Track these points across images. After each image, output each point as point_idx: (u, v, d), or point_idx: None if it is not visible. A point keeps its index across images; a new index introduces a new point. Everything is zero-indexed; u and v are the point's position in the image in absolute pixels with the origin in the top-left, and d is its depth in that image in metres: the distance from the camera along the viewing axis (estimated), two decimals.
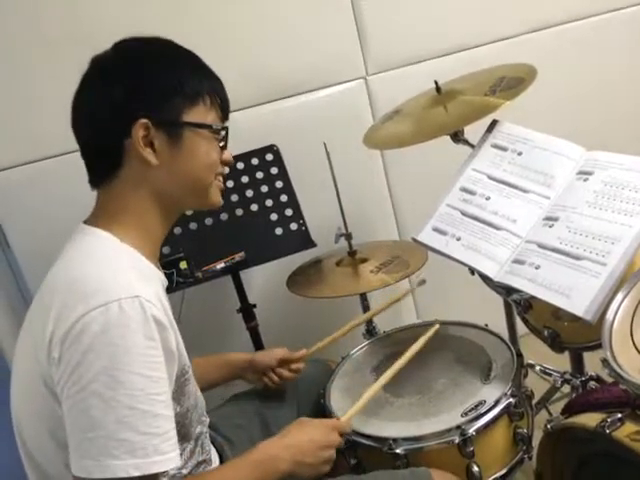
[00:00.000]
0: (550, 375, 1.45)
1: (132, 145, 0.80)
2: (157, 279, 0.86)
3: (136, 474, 0.70)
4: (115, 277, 0.74)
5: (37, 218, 1.47)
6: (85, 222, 0.85)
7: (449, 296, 1.79)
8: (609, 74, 1.91)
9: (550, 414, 1.41)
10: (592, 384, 1.28)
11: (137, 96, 0.80)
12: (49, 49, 1.44)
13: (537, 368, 1.55)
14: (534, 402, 1.44)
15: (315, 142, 1.46)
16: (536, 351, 1.29)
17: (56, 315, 0.73)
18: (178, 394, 0.82)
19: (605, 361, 0.78)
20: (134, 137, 0.80)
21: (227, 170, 0.91)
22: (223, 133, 0.87)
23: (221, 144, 0.87)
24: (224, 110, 0.88)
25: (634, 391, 0.73)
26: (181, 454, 0.87)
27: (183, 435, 0.86)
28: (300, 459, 0.88)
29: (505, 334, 1.46)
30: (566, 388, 1.42)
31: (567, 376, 1.33)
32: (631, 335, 0.79)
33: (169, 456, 0.73)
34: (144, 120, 0.79)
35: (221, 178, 0.90)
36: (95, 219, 0.84)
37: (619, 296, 0.86)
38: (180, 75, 0.83)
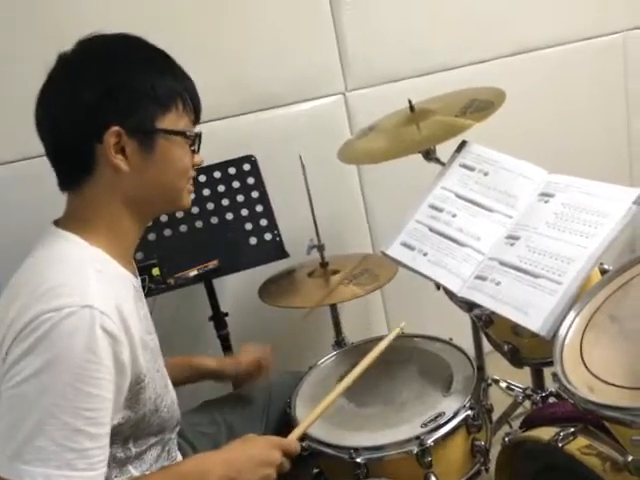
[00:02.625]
0: (513, 390, 1.48)
1: (103, 152, 0.80)
2: (128, 283, 0.86)
3: None
4: (73, 283, 0.74)
5: (6, 219, 1.46)
6: (56, 224, 0.84)
7: (420, 309, 1.82)
8: (576, 101, 1.98)
9: (512, 428, 1.44)
10: (552, 399, 1.31)
11: (109, 101, 0.79)
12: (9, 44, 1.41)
13: (502, 384, 1.58)
14: (497, 417, 1.49)
15: (293, 154, 1.48)
16: (503, 367, 1.32)
17: (14, 315, 0.73)
18: (132, 402, 0.81)
19: (555, 376, 0.81)
20: (105, 144, 0.79)
21: (195, 174, 0.91)
22: (196, 138, 0.87)
23: (193, 149, 0.87)
24: (196, 112, 0.88)
25: (582, 406, 0.76)
26: (144, 453, 0.88)
27: (137, 436, 0.86)
28: (234, 476, 0.85)
29: (472, 348, 1.51)
30: (528, 403, 1.46)
31: (528, 392, 1.37)
32: (581, 352, 0.83)
33: (83, 474, 0.71)
34: (116, 128, 0.79)
35: (192, 181, 0.90)
36: (66, 222, 0.84)
37: (572, 314, 0.89)
38: (152, 78, 0.81)
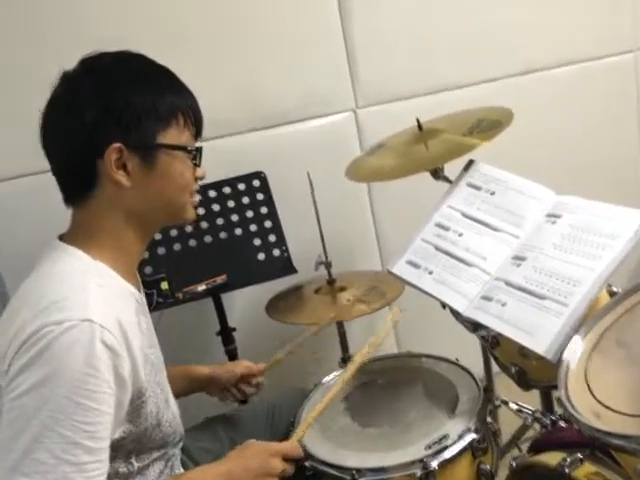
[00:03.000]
0: (523, 412, 1.46)
1: (104, 167, 0.81)
2: (130, 297, 0.87)
3: None
4: (74, 297, 0.75)
5: (18, 232, 1.49)
6: (60, 238, 0.86)
7: (430, 328, 1.81)
8: (587, 121, 1.97)
9: (521, 451, 1.42)
10: (561, 423, 1.29)
11: (110, 119, 0.80)
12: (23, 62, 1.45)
13: (512, 405, 1.56)
14: (506, 440, 1.47)
15: (303, 171, 1.50)
16: (514, 388, 1.30)
17: (16, 328, 0.75)
18: (133, 416, 0.82)
19: (559, 400, 0.80)
20: (106, 160, 0.80)
21: (198, 187, 0.92)
22: (197, 152, 0.88)
23: (195, 163, 0.88)
24: (198, 127, 0.89)
25: (586, 432, 0.75)
26: (146, 469, 0.88)
27: (139, 450, 0.86)
28: None
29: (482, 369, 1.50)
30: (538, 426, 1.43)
31: (537, 414, 1.34)
32: (586, 377, 0.81)
33: None
34: (117, 144, 0.80)
35: (196, 194, 0.91)
36: (70, 236, 0.86)
37: (577, 337, 0.88)
38: (153, 95, 0.82)
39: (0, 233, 1.53)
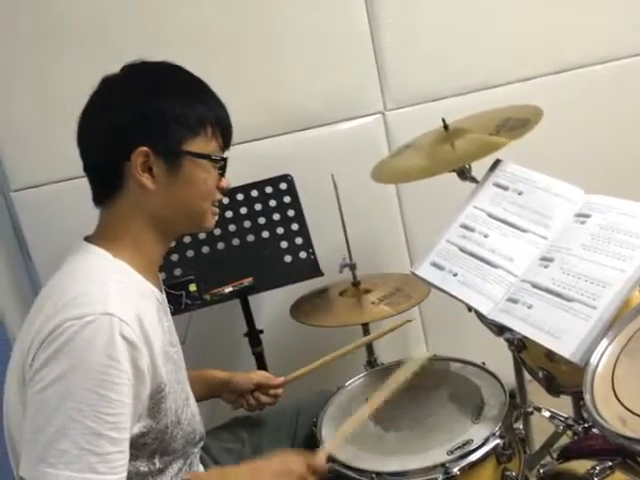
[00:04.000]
0: (555, 420, 1.41)
1: (130, 169, 0.84)
2: (151, 296, 0.89)
3: None
4: (94, 293, 0.78)
5: (57, 233, 1.54)
6: (86, 239, 0.89)
7: (459, 330, 1.77)
8: (621, 120, 1.89)
9: (552, 459, 1.37)
10: (595, 430, 1.24)
11: (140, 123, 0.84)
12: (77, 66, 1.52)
13: (544, 412, 1.51)
14: (538, 447, 1.42)
15: (331, 174, 1.50)
16: (548, 395, 1.26)
17: (39, 324, 0.77)
18: (154, 411, 0.84)
19: (584, 406, 0.77)
20: (133, 162, 0.84)
21: (221, 197, 0.94)
22: (222, 163, 0.90)
23: (219, 173, 0.91)
24: (225, 139, 0.91)
25: (611, 438, 0.72)
26: (166, 468, 0.90)
27: (163, 450, 0.88)
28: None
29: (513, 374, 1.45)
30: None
31: (569, 421, 1.30)
32: (612, 382, 0.78)
33: (105, 477, 0.73)
34: (145, 148, 0.83)
35: (217, 204, 0.93)
36: (94, 236, 0.89)
37: (605, 341, 0.85)
38: (185, 105, 0.85)
39: (39, 238, 1.60)
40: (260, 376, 1.20)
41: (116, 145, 0.84)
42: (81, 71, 1.48)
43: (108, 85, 0.88)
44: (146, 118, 0.84)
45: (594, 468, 0.91)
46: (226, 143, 0.92)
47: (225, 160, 0.91)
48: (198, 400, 1.05)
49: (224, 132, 0.91)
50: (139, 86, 0.87)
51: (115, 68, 0.91)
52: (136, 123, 0.84)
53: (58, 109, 1.51)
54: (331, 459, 1.02)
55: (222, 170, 0.91)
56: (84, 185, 0.92)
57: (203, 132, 0.87)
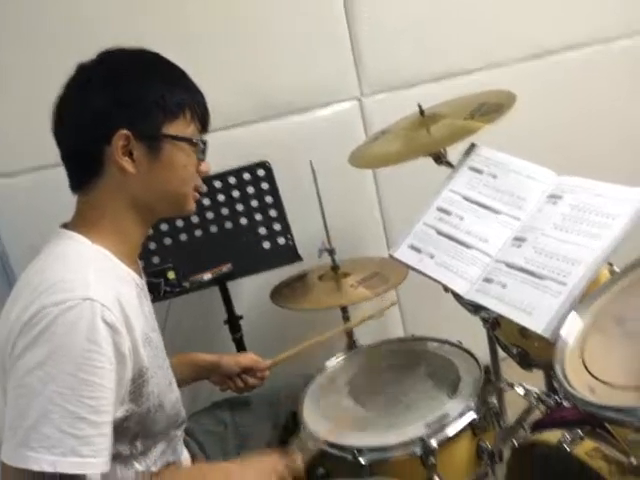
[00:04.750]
0: (528, 395, 1.45)
1: (111, 153, 0.84)
2: (131, 281, 0.89)
3: (49, 470, 0.71)
4: (74, 278, 0.78)
5: (30, 223, 1.51)
6: (63, 226, 0.89)
7: (437, 311, 1.80)
8: (597, 105, 1.94)
9: (526, 432, 1.42)
10: (566, 403, 1.29)
11: (118, 107, 0.84)
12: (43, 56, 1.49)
13: (518, 388, 1.56)
14: (513, 421, 1.47)
15: (308, 160, 1.50)
16: (521, 372, 1.30)
17: (18, 311, 0.77)
18: (136, 395, 0.84)
19: (555, 376, 0.80)
20: (113, 146, 0.83)
21: (201, 183, 0.94)
22: (202, 146, 0.90)
23: (199, 156, 0.91)
24: (204, 123, 0.91)
25: (582, 407, 0.75)
26: (149, 450, 0.90)
27: (145, 433, 0.88)
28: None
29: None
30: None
31: (542, 396, 1.34)
32: (582, 353, 0.82)
33: (87, 460, 0.73)
34: (125, 131, 0.83)
35: (198, 188, 0.93)
36: (72, 223, 0.88)
37: (574, 315, 0.88)
38: (163, 89, 0.86)
39: (13, 228, 1.58)
40: (248, 359, 1.21)
41: (96, 130, 0.84)
42: (54, 60, 1.45)
43: (85, 71, 0.87)
44: (125, 102, 0.84)
45: (565, 437, 0.96)
46: (204, 127, 0.92)
47: (205, 143, 0.91)
48: (185, 383, 1.06)
49: (202, 116, 0.91)
50: (118, 71, 0.86)
51: (89, 56, 0.89)
52: (115, 107, 0.84)
53: (31, 98, 1.48)
54: (312, 437, 1.05)
55: (202, 154, 0.91)
56: (58, 174, 0.91)
57: (182, 116, 0.87)
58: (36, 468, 0.71)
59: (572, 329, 0.87)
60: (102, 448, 0.76)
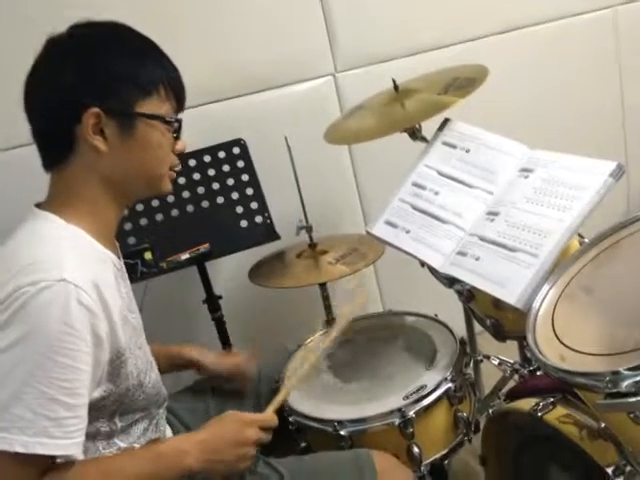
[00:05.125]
0: (503, 365, 1.50)
1: (82, 131, 0.82)
2: (108, 261, 0.88)
3: (20, 450, 0.71)
4: (49, 259, 0.77)
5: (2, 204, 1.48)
6: (37, 206, 0.87)
7: (414, 287, 1.83)
8: (568, 78, 1.97)
9: (501, 401, 1.47)
10: (539, 373, 1.33)
11: (88, 83, 0.81)
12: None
13: (493, 360, 1.60)
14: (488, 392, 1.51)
15: (283, 137, 1.49)
16: (497, 344, 1.33)
17: None
18: (114, 375, 0.84)
19: (527, 345, 0.83)
20: (84, 124, 0.81)
21: (177, 162, 0.93)
22: (177, 125, 0.88)
23: (174, 135, 0.89)
24: (179, 101, 0.89)
25: (553, 375, 0.78)
26: (130, 427, 0.91)
27: (122, 411, 0.88)
28: (211, 456, 0.86)
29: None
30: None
31: (516, 366, 1.39)
32: (552, 323, 0.84)
33: (59, 442, 0.73)
34: (95, 109, 0.81)
35: (175, 167, 0.92)
36: (46, 203, 0.87)
37: (546, 286, 0.91)
38: (135, 65, 0.83)
39: None
40: (229, 365, 1.16)
41: (65, 107, 0.81)
42: (23, 37, 1.40)
43: (53, 45, 0.84)
44: (95, 78, 0.82)
45: (537, 404, 0.99)
46: (180, 105, 0.90)
47: (180, 122, 0.89)
48: (165, 373, 1.05)
49: (177, 93, 0.89)
50: (87, 45, 0.83)
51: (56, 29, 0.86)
52: (85, 83, 0.81)
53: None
54: (293, 412, 1.07)
55: (177, 133, 0.89)
56: (29, 153, 0.89)
57: (156, 93, 0.85)
58: (7, 448, 0.71)
59: (543, 299, 0.89)
60: (75, 430, 0.76)
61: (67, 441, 0.75)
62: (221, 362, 1.17)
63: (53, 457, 0.76)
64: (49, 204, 0.86)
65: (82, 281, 0.76)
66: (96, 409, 0.82)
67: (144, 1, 1.54)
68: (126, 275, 0.96)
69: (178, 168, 0.94)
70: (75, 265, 0.77)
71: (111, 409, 0.86)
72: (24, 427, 0.71)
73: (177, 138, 0.90)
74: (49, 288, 0.73)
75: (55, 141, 0.84)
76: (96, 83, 0.82)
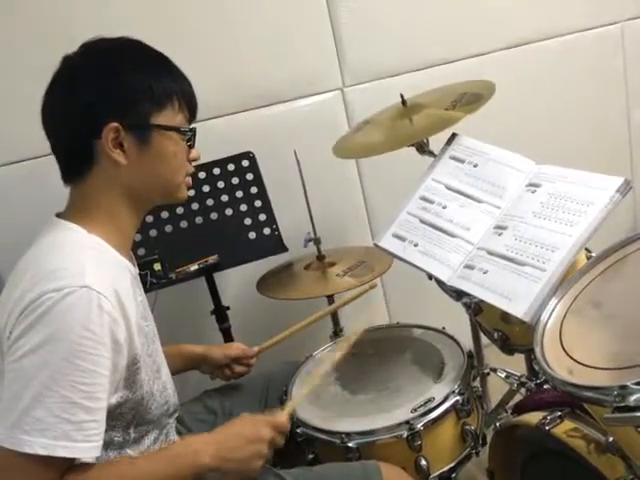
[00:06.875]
0: (510, 378, 1.50)
1: (102, 146, 0.85)
2: (125, 270, 0.91)
3: (41, 453, 0.73)
4: (72, 266, 0.79)
5: (10, 217, 1.51)
6: (58, 215, 0.90)
7: (421, 299, 1.84)
8: (574, 93, 1.98)
9: (508, 414, 1.46)
10: (546, 386, 1.33)
11: (107, 100, 0.84)
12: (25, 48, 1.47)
13: (500, 372, 1.60)
14: (495, 405, 1.51)
15: (292, 150, 1.51)
16: (504, 356, 1.34)
17: (16, 298, 0.78)
18: (130, 382, 0.86)
19: (535, 359, 0.83)
20: (104, 139, 0.84)
21: (193, 169, 0.96)
22: (190, 134, 0.91)
23: (188, 144, 0.92)
24: (191, 111, 0.93)
25: (561, 388, 0.78)
26: (142, 438, 0.92)
27: (138, 421, 0.90)
28: (225, 454, 0.87)
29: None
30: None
31: (523, 379, 1.39)
32: (560, 336, 0.85)
33: (79, 445, 0.75)
34: (114, 124, 0.84)
35: (190, 175, 0.95)
36: (67, 213, 0.89)
37: (554, 300, 0.91)
38: (149, 79, 0.86)
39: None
40: (235, 349, 1.23)
41: (85, 124, 0.84)
42: (33, 52, 1.44)
43: (70, 64, 0.87)
44: (113, 94, 0.85)
45: (545, 418, 1.00)
46: (192, 115, 0.93)
47: (193, 131, 0.92)
48: (175, 373, 1.07)
49: (190, 104, 0.92)
50: (102, 62, 0.87)
51: (69, 48, 0.89)
52: (103, 100, 0.84)
53: (8, 91, 1.47)
54: (301, 424, 1.07)
55: (191, 142, 0.92)
56: (42, 165, 0.91)
57: (170, 105, 0.88)
58: (29, 451, 0.72)
59: (551, 313, 0.90)
60: (94, 433, 0.77)
61: (87, 444, 0.76)
62: (225, 350, 1.22)
63: (72, 459, 0.77)
64: (69, 214, 0.89)
65: (103, 288, 0.78)
66: (113, 418, 0.83)
67: (153, 18, 1.57)
68: (140, 283, 0.98)
69: (192, 171, 0.96)
70: (97, 272, 0.80)
71: (127, 418, 0.88)
72: (44, 429, 0.73)
73: (191, 147, 0.93)
74: (72, 294, 0.76)
75: (75, 156, 0.87)
76: (114, 99, 0.85)
